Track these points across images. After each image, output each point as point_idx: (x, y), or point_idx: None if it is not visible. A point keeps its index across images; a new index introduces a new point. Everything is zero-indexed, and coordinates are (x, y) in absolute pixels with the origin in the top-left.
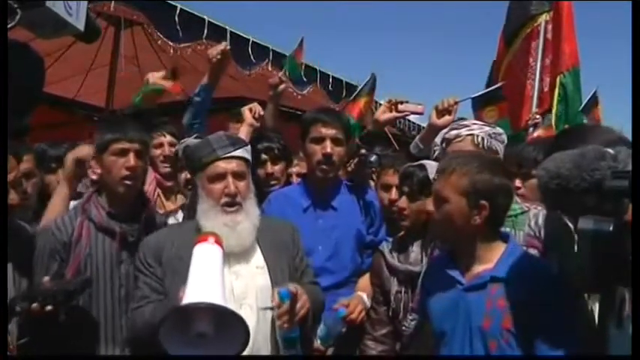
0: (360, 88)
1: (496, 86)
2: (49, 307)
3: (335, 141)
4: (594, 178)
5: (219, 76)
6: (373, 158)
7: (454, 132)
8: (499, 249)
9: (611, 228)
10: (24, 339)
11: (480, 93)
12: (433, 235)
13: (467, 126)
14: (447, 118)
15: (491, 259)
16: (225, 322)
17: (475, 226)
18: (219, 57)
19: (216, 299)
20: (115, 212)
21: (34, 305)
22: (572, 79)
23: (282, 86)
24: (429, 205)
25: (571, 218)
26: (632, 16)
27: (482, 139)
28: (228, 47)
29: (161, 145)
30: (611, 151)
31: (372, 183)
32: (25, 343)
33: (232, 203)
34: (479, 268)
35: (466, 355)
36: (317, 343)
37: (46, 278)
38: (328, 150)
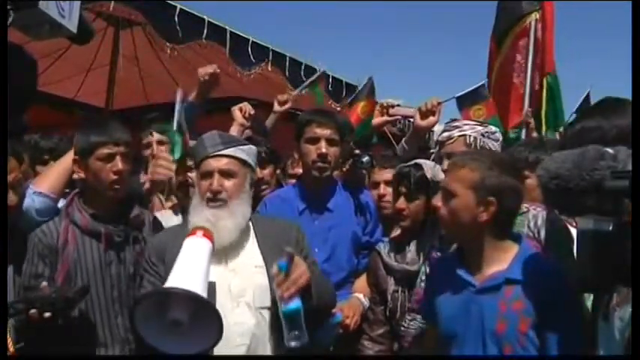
0: (357, 92)
1: (479, 84)
2: (47, 314)
3: (330, 141)
4: (594, 178)
5: (207, 95)
6: (365, 159)
7: (446, 134)
8: (511, 250)
9: (610, 228)
10: (20, 344)
11: (463, 92)
12: (442, 232)
13: (458, 127)
14: (431, 119)
15: (504, 259)
16: (202, 314)
17: (481, 223)
18: (207, 78)
19: (194, 288)
20: (99, 214)
21: (33, 311)
22: (554, 81)
23: (287, 105)
24: (437, 200)
25: (570, 218)
26: (632, 16)
27: (475, 139)
28: (218, 71)
29: (149, 145)
30: (610, 150)
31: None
32: (22, 348)
33: (214, 200)
34: (491, 269)
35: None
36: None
37: (44, 284)
38: (323, 150)
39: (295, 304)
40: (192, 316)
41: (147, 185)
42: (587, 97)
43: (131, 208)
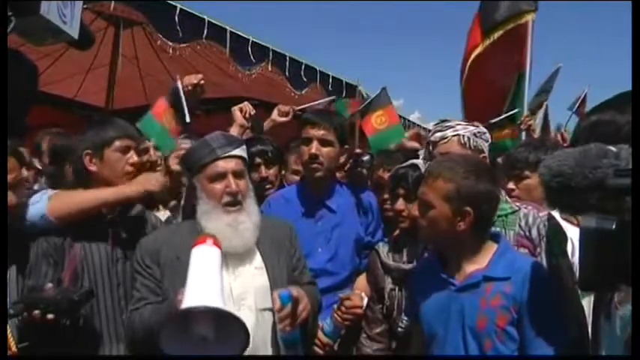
0: (367, 101)
1: (512, 113)
2: (50, 316)
3: (322, 142)
4: (596, 176)
5: (194, 101)
6: (366, 158)
7: (439, 134)
8: (490, 249)
9: (614, 226)
10: (24, 343)
11: (498, 119)
12: (420, 238)
13: (452, 127)
14: None
15: (483, 258)
16: (225, 325)
17: (460, 232)
18: (189, 89)
19: (216, 302)
20: (104, 212)
21: (36, 312)
22: (522, 79)
23: (288, 118)
24: (415, 209)
25: (572, 217)
26: (632, 16)
27: (469, 138)
28: (202, 82)
29: (147, 150)
30: (613, 148)
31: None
32: (26, 347)
33: (234, 202)
34: (470, 268)
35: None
36: (324, 338)
37: (50, 285)
38: (313, 150)
39: (295, 335)
40: (216, 328)
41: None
42: (584, 96)
43: (133, 206)
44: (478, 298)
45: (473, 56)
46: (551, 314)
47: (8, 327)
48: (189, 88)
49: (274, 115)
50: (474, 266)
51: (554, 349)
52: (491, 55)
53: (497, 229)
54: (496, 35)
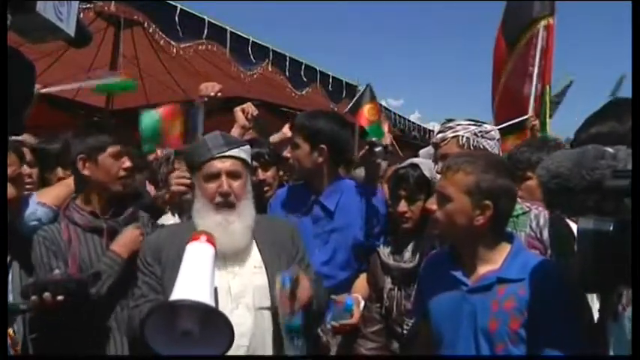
0: (355, 98)
1: (522, 118)
2: (60, 297)
3: (292, 144)
4: (594, 177)
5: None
6: (378, 149)
7: (440, 135)
8: (504, 249)
9: (611, 228)
10: (34, 334)
11: (505, 125)
12: (436, 233)
13: (452, 128)
14: None
15: (496, 259)
16: (211, 322)
17: (478, 227)
18: (206, 99)
19: (202, 297)
20: (97, 211)
21: (46, 294)
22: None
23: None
24: (432, 204)
25: (571, 218)
26: (632, 16)
27: (468, 139)
28: (220, 94)
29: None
30: (610, 150)
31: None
32: (36, 338)
33: (225, 203)
34: (484, 269)
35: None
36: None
37: (57, 271)
38: (284, 153)
39: (297, 320)
40: (202, 324)
41: (166, 196)
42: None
43: (125, 207)
44: (490, 300)
45: (507, 70)
46: (563, 316)
47: (18, 321)
48: (206, 99)
49: (285, 129)
50: (488, 267)
51: (569, 350)
52: (520, 64)
53: (508, 229)
54: (520, 46)
